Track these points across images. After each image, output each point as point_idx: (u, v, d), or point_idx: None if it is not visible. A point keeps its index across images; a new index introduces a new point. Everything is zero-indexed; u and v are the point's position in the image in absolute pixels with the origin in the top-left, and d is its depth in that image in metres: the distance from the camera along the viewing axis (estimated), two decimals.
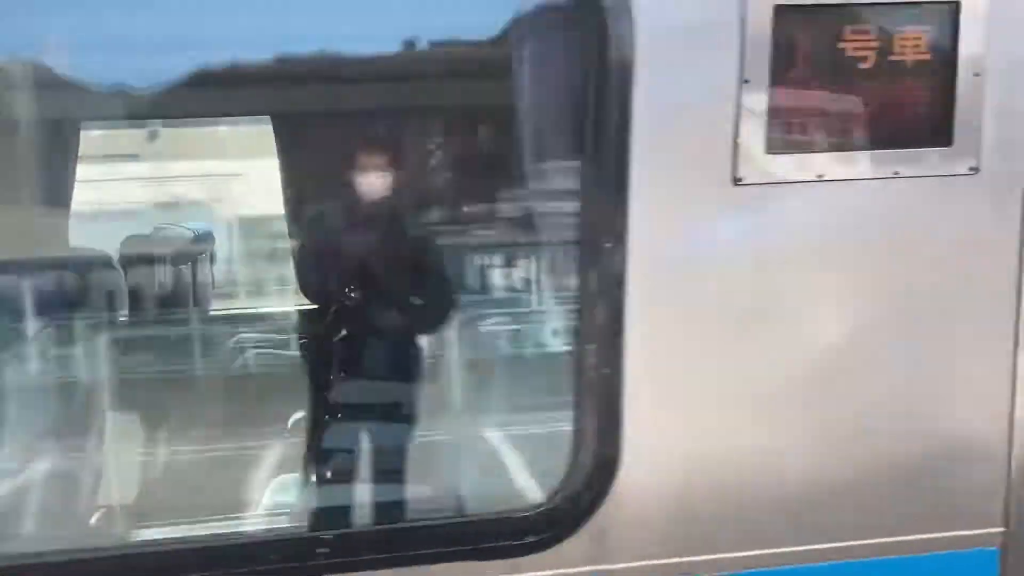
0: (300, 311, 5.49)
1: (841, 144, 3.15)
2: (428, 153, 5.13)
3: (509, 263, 5.24)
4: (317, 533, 3.10)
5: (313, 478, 4.55)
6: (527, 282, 5.02)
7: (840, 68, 3.12)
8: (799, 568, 3.25)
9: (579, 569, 3.14)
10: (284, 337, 5.92)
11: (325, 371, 4.67)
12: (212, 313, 6.65)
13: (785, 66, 3.08)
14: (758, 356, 3.16)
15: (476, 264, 5.40)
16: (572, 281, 3.18)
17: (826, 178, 3.13)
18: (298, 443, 4.87)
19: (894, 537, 3.30)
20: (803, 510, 3.24)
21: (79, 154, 5.09)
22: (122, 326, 5.61)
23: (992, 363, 3.27)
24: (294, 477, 4.70)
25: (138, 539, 4.25)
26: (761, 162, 3.09)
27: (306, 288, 4.96)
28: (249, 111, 5.29)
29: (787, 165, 3.11)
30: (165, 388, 5.46)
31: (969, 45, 3.15)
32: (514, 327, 5.26)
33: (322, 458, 4.59)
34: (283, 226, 5.13)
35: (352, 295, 4.53)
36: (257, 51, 4.24)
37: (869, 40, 3.13)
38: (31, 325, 5.14)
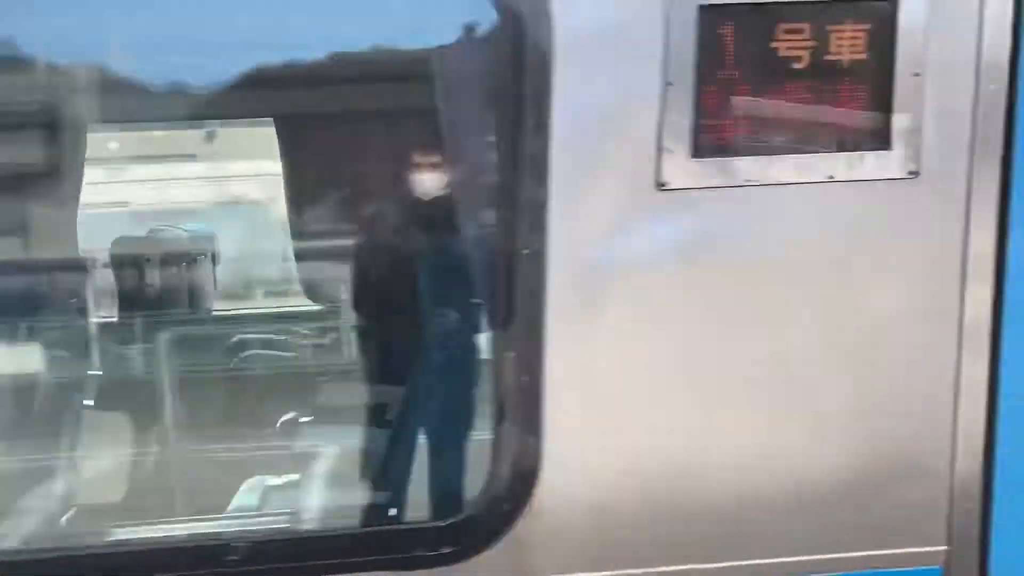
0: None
1: (772, 147, 3.04)
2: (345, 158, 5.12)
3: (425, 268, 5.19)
4: (226, 540, 3.08)
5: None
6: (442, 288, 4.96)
7: (772, 69, 3.01)
8: None
9: None
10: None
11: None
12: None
13: (711, 68, 2.99)
14: (684, 365, 3.07)
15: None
16: (489, 289, 3.14)
17: (755, 183, 3.04)
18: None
19: (834, 554, 3.19)
20: (736, 525, 3.15)
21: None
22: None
23: (934, 374, 3.14)
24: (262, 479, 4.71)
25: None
26: (686, 167, 3.01)
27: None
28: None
29: (714, 170, 3.02)
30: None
31: (908, 43, 3.03)
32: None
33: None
34: None
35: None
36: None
37: (803, 39, 3.03)
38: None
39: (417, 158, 4.37)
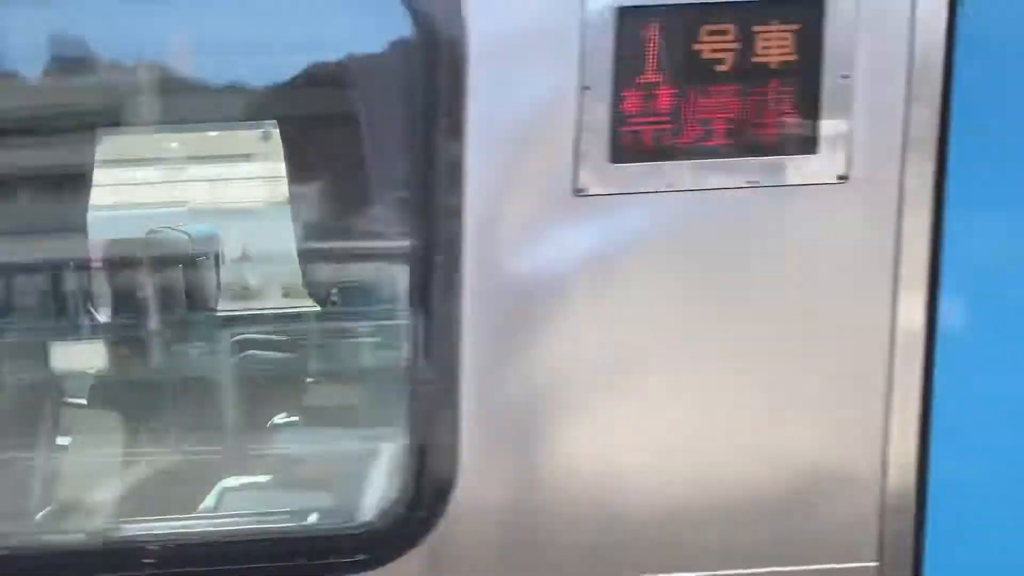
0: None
1: (694, 152, 2.97)
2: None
3: (344, 276, 5.15)
4: (142, 542, 3.10)
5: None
6: (365, 295, 4.92)
7: (695, 71, 2.93)
8: None
9: None
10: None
11: None
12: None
13: (630, 71, 2.92)
14: (602, 372, 3.02)
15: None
16: (405, 296, 3.11)
17: (677, 188, 2.97)
18: None
19: (763, 568, 3.11)
20: (661, 536, 3.08)
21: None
22: None
23: (864, 386, 3.05)
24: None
25: None
26: (604, 172, 2.95)
27: None
28: None
29: (633, 175, 2.95)
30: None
31: (837, 45, 2.93)
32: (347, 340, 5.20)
33: None
34: None
35: None
36: None
37: (728, 41, 2.95)
38: None
39: (332, 164, 4.35)
